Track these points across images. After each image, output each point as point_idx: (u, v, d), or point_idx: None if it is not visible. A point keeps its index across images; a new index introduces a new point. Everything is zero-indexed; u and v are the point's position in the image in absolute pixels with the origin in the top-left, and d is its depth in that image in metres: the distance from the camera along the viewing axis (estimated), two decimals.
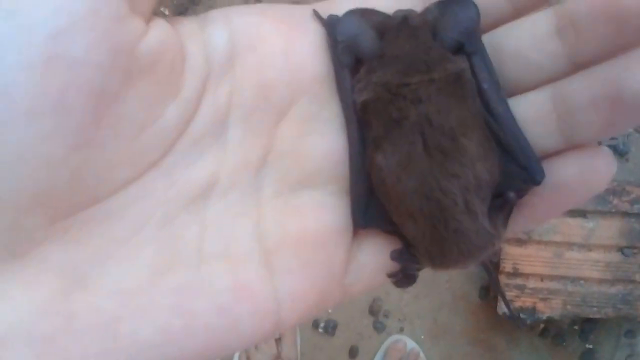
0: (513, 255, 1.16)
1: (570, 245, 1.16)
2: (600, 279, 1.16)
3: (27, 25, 0.21)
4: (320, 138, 0.29)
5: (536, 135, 0.27)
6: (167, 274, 0.25)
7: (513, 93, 0.28)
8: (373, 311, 1.25)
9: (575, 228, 1.16)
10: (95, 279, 0.24)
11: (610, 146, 1.22)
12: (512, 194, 0.27)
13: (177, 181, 0.26)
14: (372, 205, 0.28)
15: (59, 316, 0.23)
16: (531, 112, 0.27)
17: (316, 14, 0.29)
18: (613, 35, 0.25)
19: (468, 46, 0.27)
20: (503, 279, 1.17)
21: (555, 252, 1.16)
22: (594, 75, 0.25)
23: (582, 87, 0.25)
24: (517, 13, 0.28)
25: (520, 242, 1.16)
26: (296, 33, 0.29)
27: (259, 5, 0.29)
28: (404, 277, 0.30)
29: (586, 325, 1.25)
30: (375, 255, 0.29)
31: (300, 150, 0.29)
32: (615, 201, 1.15)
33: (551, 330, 1.26)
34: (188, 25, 0.27)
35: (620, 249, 1.16)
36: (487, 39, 0.28)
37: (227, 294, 0.26)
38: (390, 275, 0.30)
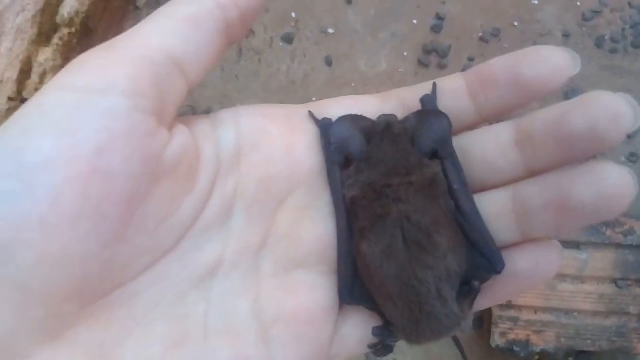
0: None
1: (563, 277, 1.22)
2: (594, 312, 1.22)
3: (75, 143, 0.26)
4: (313, 225, 0.35)
5: (498, 229, 0.33)
6: (177, 348, 0.31)
7: (478, 190, 0.34)
8: None
9: (569, 260, 1.22)
10: (117, 354, 0.30)
11: None
12: (477, 284, 0.33)
13: (189, 264, 0.32)
14: (356, 285, 0.34)
15: None
16: (494, 209, 0.34)
17: (312, 115, 0.36)
18: (562, 151, 0.31)
19: (442, 152, 0.34)
20: (496, 311, 1.23)
21: (548, 284, 1.22)
22: (547, 183, 0.32)
23: (536, 192, 0.32)
24: (483, 120, 0.34)
25: None
26: (295, 133, 0.35)
27: (263, 106, 0.36)
28: (382, 348, 0.36)
29: (581, 358, 1.30)
30: (358, 329, 0.35)
31: (295, 235, 0.35)
32: (609, 233, 1.21)
33: None
34: (202, 126, 0.33)
35: (614, 281, 1.22)
36: (457, 141, 0.35)
37: None
38: (371, 347, 0.36)
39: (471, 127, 0.35)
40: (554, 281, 1.21)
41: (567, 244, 1.22)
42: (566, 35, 1.25)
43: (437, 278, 0.32)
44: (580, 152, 0.31)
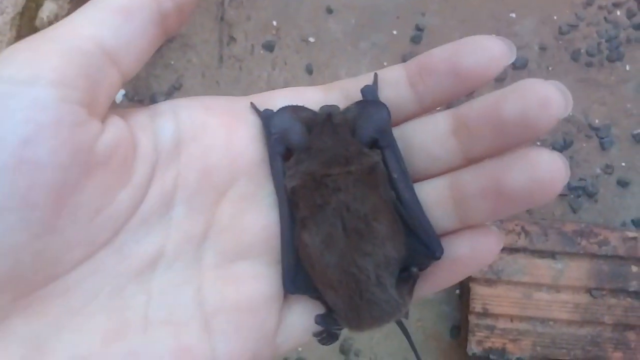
0: (482, 296, 1.22)
1: (539, 286, 1.22)
2: (569, 320, 1.22)
3: (0, 135, 0.26)
4: (255, 215, 0.35)
5: (437, 217, 0.34)
6: (116, 340, 0.30)
7: (418, 179, 0.34)
8: (344, 350, 1.30)
9: (544, 269, 1.22)
10: (53, 347, 0.29)
11: (579, 187, 1.29)
12: (415, 269, 0.33)
13: (127, 257, 0.31)
14: (300, 274, 0.34)
15: None
16: (433, 197, 0.34)
17: (253, 106, 0.35)
18: (497, 138, 0.31)
19: (381, 142, 0.34)
20: (473, 319, 1.23)
21: (524, 293, 1.22)
22: (482, 170, 0.32)
23: (472, 179, 0.32)
24: (423, 109, 0.35)
25: (489, 282, 1.22)
26: (236, 124, 0.35)
27: (203, 98, 0.36)
28: (327, 336, 0.36)
29: None
30: (302, 318, 0.35)
31: (238, 225, 0.34)
32: (584, 243, 1.22)
33: None
34: (140, 117, 0.33)
35: (589, 291, 1.23)
36: (397, 131, 0.35)
37: (170, 356, 0.31)
38: (316, 335, 0.36)
39: (412, 116, 0.35)
40: (529, 290, 1.22)
41: (543, 254, 1.22)
42: (543, 49, 1.26)
43: (376, 265, 0.32)
44: (514, 139, 0.31)
